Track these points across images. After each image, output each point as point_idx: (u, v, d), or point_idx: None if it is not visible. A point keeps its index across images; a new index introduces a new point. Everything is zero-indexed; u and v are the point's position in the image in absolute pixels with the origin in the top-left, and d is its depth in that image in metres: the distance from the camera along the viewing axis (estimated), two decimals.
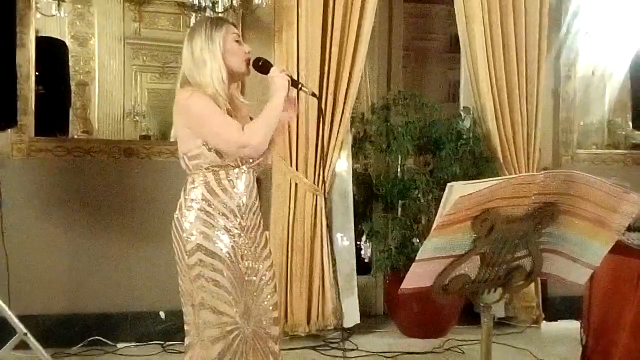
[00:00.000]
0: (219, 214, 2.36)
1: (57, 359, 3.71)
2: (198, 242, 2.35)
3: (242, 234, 2.39)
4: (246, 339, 2.38)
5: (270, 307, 2.48)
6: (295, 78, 2.49)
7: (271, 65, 2.45)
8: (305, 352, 4.00)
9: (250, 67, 2.45)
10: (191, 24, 4.75)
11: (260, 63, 2.46)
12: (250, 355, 2.40)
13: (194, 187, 2.40)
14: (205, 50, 2.36)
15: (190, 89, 2.36)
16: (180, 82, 2.44)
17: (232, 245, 2.36)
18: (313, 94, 2.52)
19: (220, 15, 2.47)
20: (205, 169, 2.38)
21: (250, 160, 2.42)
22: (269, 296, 2.48)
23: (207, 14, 4.20)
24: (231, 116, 2.36)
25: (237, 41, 2.42)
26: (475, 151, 4.38)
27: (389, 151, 4.47)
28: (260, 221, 2.50)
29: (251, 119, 2.43)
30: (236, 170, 2.39)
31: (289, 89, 2.40)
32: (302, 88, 2.48)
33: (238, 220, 2.38)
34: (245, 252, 2.40)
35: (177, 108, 2.40)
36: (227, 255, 2.35)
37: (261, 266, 2.47)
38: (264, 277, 2.47)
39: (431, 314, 4.26)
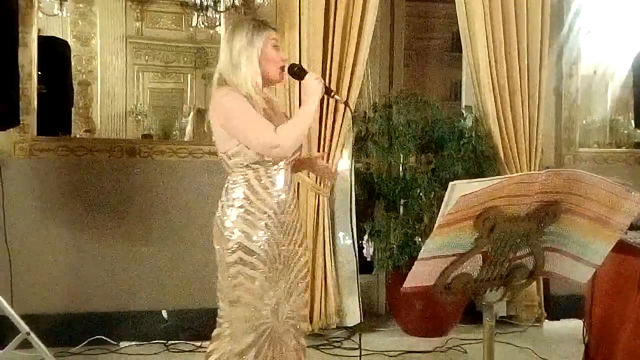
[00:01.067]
0: (259, 212, 2.43)
1: (60, 358, 3.72)
2: (239, 240, 2.42)
3: (282, 232, 2.46)
4: (274, 334, 2.47)
5: (302, 304, 2.57)
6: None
7: (306, 72, 2.50)
8: (308, 351, 3.99)
9: (285, 73, 2.51)
10: (193, 23, 4.77)
11: (295, 69, 2.53)
12: (276, 349, 2.48)
13: (235, 186, 2.45)
14: (243, 54, 2.42)
15: (227, 88, 2.41)
16: (217, 81, 2.48)
17: (271, 244, 2.43)
18: (345, 103, 2.58)
19: (262, 19, 2.56)
20: (245, 167, 2.43)
21: (289, 159, 2.48)
22: (301, 294, 2.56)
23: (208, 14, 4.21)
24: (267, 117, 2.41)
25: (275, 47, 2.46)
26: (477, 150, 4.38)
27: (391, 150, 4.47)
28: (298, 218, 2.56)
29: (287, 118, 2.53)
30: (275, 167, 2.44)
31: (322, 95, 2.46)
32: (335, 96, 2.56)
33: (278, 217, 2.45)
34: (283, 249, 2.48)
35: (213, 107, 2.46)
36: (266, 254, 2.42)
37: (297, 264, 2.54)
38: (298, 275, 2.55)
39: (433, 313, 4.26)
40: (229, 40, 2.45)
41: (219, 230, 2.47)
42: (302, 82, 2.49)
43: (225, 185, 2.49)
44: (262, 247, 2.41)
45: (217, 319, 2.52)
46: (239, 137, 2.38)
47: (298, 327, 2.57)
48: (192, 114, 4.85)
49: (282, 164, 2.46)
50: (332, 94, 2.54)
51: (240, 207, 2.42)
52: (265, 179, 2.43)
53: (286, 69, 2.50)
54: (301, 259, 2.56)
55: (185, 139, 4.71)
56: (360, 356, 3.17)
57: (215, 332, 2.50)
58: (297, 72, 2.51)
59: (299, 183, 4.12)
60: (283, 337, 2.51)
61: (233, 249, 2.42)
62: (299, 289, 2.55)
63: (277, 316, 2.47)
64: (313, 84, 2.42)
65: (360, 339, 3.07)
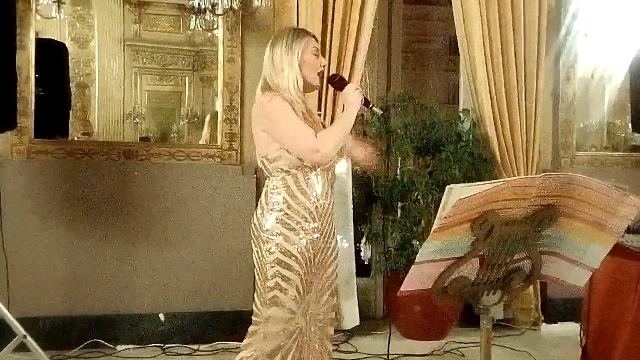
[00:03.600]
0: (298, 216, 2.50)
1: None
2: (278, 242, 2.48)
3: (320, 236, 2.54)
4: (303, 337, 2.54)
5: (331, 308, 2.65)
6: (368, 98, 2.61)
7: (347, 83, 2.61)
8: None
9: (325, 81, 2.63)
10: (191, 26, 4.78)
11: (337, 79, 2.66)
12: (304, 352, 2.56)
13: (274, 191, 2.53)
14: (284, 59, 2.52)
15: (271, 93, 2.51)
16: (262, 87, 2.59)
17: (309, 248, 2.50)
18: (383, 115, 2.61)
19: (302, 29, 2.68)
20: (285, 171, 2.50)
21: (326, 165, 2.55)
22: (330, 298, 2.64)
23: (207, 17, 4.22)
24: (307, 123, 2.50)
25: (315, 55, 2.56)
26: (475, 153, 4.38)
27: (389, 153, 4.47)
28: (333, 224, 2.65)
29: (324, 126, 2.64)
30: (313, 172, 2.52)
31: (361, 107, 2.53)
32: (373, 108, 2.61)
33: (316, 222, 2.52)
34: (319, 253, 2.55)
35: (257, 112, 2.56)
36: (303, 257, 2.49)
37: (329, 269, 2.62)
38: (329, 279, 2.62)
39: (431, 317, 4.26)
40: (271, 47, 2.57)
41: (258, 233, 2.52)
42: (342, 92, 2.59)
43: (265, 190, 2.56)
44: (300, 250, 2.48)
45: (253, 317, 2.56)
46: (282, 141, 2.47)
47: (325, 330, 2.63)
48: (208, 117, 4.83)
49: (319, 170, 2.53)
50: (371, 105, 2.59)
51: (280, 211, 2.49)
52: (304, 184, 2.51)
53: (326, 77, 2.63)
54: (333, 264, 2.63)
55: (201, 142, 4.71)
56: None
57: (251, 329, 2.55)
58: (338, 82, 2.63)
59: None
60: (311, 340, 2.58)
61: (272, 251, 2.49)
62: (328, 293, 2.62)
63: (307, 319, 2.55)
64: (353, 96, 2.51)
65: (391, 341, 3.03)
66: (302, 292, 2.49)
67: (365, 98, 2.55)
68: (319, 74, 2.58)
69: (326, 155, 2.47)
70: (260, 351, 2.48)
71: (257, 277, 2.56)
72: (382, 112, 2.64)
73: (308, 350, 2.57)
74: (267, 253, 2.49)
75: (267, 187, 2.55)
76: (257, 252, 2.54)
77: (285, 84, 2.50)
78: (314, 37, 2.62)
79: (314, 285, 2.56)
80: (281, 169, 2.49)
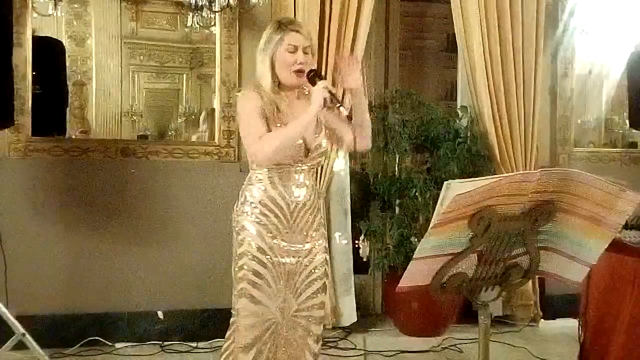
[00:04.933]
0: (270, 210, 2.49)
1: (55, 359, 3.71)
2: (248, 235, 2.49)
3: (294, 232, 2.52)
4: (280, 332, 2.51)
5: (315, 306, 2.58)
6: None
7: (320, 79, 2.46)
8: None
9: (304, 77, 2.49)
10: (188, 23, 4.76)
11: (310, 74, 2.49)
12: (282, 347, 2.53)
13: (250, 184, 2.55)
14: (260, 54, 2.52)
15: (247, 89, 2.53)
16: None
17: (279, 241, 2.49)
18: (348, 117, 2.48)
19: (286, 19, 2.60)
20: (260, 165, 2.50)
21: (310, 159, 2.51)
22: (314, 294, 2.57)
23: (203, 14, 4.21)
24: (278, 120, 2.44)
25: (291, 52, 2.46)
26: (473, 150, 4.38)
27: (387, 150, 4.47)
28: (315, 220, 2.58)
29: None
30: (292, 168, 2.50)
31: (324, 106, 2.40)
32: (340, 108, 2.42)
33: (287, 217, 2.50)
34: (293, 249, 2.52)
35: None
36: (272, 251, 2.48)
37: (310, 264, 2.56)
38: (310, 275, 2.56)
39: (429, 313, 4.26)
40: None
41: (234, 224, 2.56)
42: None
43: (244, 183, 2.58)
44: (269, 243, 2.48)
45: (232, 310, 2.57)
46: (242, 137, 2.52)
47: (309, 328, 2.57)
48: (203, 114, 4.82)
49: (299, 166, 2.50)
50: (338, 105, 2.42)
51: (252, 204, 2.51)
52: (277, 179, 2.49)
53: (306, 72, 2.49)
54: (315, 260, 2.58)
55: (193, 139, 4.69)
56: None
57: (231, 320, 2.56)
58: (311, 78, 2.48)
59: None
60: (289, 336, 2.54)
61: (241, 243, 2.50)
62: (310, 289, 2.56)
63: (283, 314, 2.52)
64: (315, 94, 2.39)
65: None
66: (272, 286, 2.48)
67: (332, 97, 2.39)
68: (298, 71, 2.46)
69: (263, 159, 2.44)
70: (236, 343, 2.49)
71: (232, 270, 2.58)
72: (347, 114, 2.44)
73: (285, 345, 2.54)
74: (237, 244, 2.51)
75: (246, 180, 2.58)
76: (233, 242, 2.57)
77: (259, 80, 2.50)
78: (296, 31, 2.49)
79: (292, 280, 2.52)
80: (257, 164, 2.50)
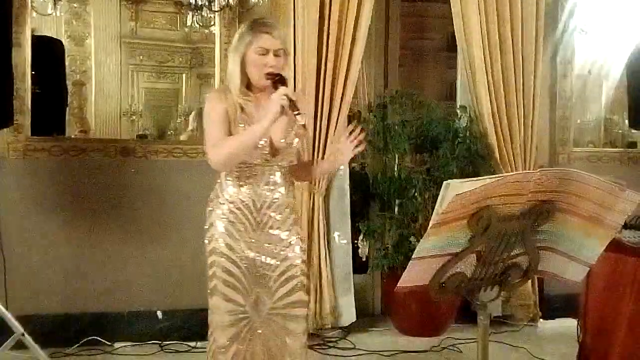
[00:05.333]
0: (237, 208, 2.50)
1: (55, 359, 3.70)
2: (216, 232, 2.51)
3: (258, 229, 2.51)
4: (255, 330, 2.50)
5: (293, 304, 2.54)
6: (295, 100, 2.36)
7: (282, 85, 2.40)
8: None
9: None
10: (187, 23, 4.77)
11: (275, 79, 2.43)
12: (259, 346, 2.51)
13: (219, 181, 2.57)
14: (231, 53, 2.52)
15: (215, 89, 2.52)
16: None
17: (247, 239, 2.50)
18: (303, 126, 2.41)
19: (260, 19, 2.57)
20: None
21: (281, 158, 2.51)
22: (289, 293, 2.54)
23: (203, 13, 4.21)
24: (243, 122, 2.43)
25: (261, 54, 2.42)
26: (472, 150, 4.38)
27: (386, 150, 4.48)
28: (285, 219, 2.56)
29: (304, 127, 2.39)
30: (261, 168, 2.50)
31: (282, 114, 2.35)
32: (297, 116, 2.34)
33: (253, 215, 2.51)
34: (262, 246, 2.52)
35: None
36: (241, 248, 2.49)
37: (283, 262, 2.54)
38: (283, 274, 2.54)
39: (428, 313, 4.26)
40: None
41: (206, 221, 2.57)
42: None
43: (217, 180, 2.60)
44: (237, 240, 2.48)
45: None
46: None
47: (285, 327, 2.53)
48: (193, 113, 4.83)
49: (269, 165, 2.50)
50: (296, 113, 2.33)
51: (220, 202, 2.53)
52: (245, 177, 2.50)
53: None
54: (288, 258, 2.55)
55: (182, 138, 4.70)
56: None
57: (208, 319, 2.57)
58: (274, 83, 2.41)
59: (293, 182, 4.11)
60: (266, 334, 2.52)
61: (211, 240, 2.52)
62: (284, 288, 2.53)
63: (257, 312, 2.50)
64: (273, 101, 2.35)
65: None
66: (245, 283, 2.48)
67: (291, 105, 2.33)
68: (268, 74, 2.42)
69: (216, 164, 2.45)
70: (215, 341, 2.50)
71: None
72: (302, 124, 2.36)
73: (263, 343, 2.52)
74: (207, 242, 2.53)
75: (217, 178, 2.59)
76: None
77: (228, 79, 2.51)
78: (268, 32, 2.43)
79: (265, 278, 2.51)
80: (214, 169, 2.51)
